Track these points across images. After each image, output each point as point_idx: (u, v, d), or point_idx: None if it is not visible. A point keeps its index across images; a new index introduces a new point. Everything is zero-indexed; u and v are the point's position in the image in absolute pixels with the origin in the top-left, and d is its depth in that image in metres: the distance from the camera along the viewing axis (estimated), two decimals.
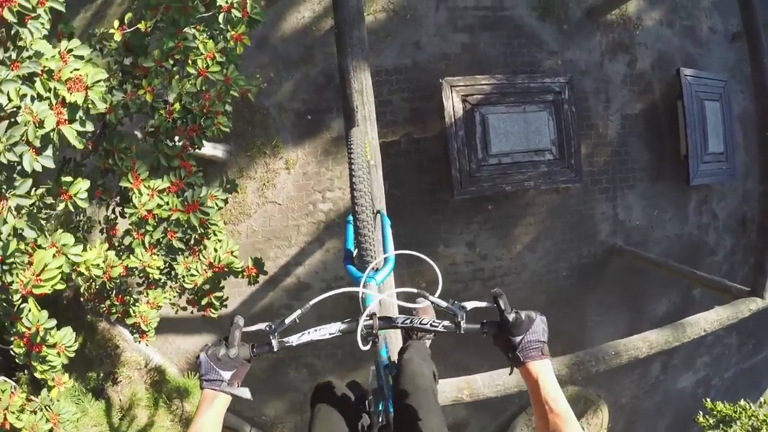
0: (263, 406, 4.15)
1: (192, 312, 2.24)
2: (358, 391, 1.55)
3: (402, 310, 1.34)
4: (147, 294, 2.13)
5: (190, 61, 2.09)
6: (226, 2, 2.00)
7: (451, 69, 4.01)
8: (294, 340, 0.98)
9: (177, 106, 2.09)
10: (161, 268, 1.98)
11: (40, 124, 1.38)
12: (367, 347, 0.96)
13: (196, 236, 2.05)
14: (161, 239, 1.93)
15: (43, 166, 1.41)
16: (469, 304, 0.95)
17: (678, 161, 4.55)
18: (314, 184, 3.97)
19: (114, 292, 2.12)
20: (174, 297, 2.28)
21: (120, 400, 3.75)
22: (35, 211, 1.66)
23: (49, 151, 1.42)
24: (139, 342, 2.17)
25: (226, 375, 0.93)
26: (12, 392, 1.66)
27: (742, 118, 5.02)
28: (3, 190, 1.40)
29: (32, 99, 1.39)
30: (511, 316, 0.91)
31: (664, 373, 5.11)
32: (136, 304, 2.14)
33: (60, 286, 1.59)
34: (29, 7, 1.34)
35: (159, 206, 1.89)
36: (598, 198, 4.35)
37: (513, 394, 2.46)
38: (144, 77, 2.03)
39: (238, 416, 4.08)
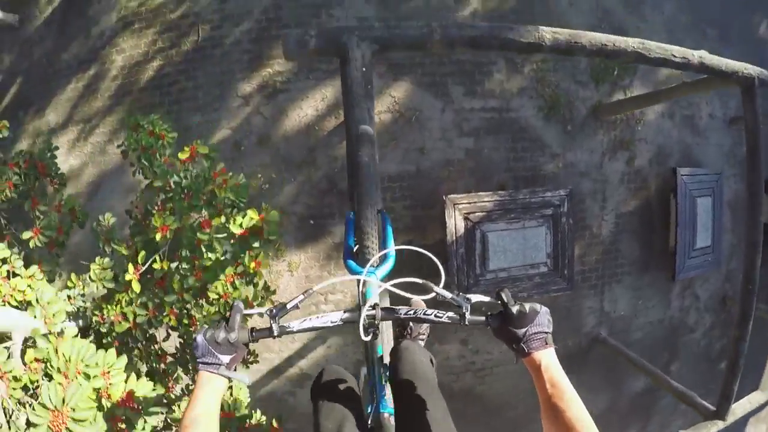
0: None
1: None
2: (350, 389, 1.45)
3: (395, 302, 1.28)
4: None
5: (210, 287, 2.17)
6: (241, 227, 2.06)
7: (453, 175, 4.06)
8: (295, 325, 0.98)
9: (200, 317, 2.20)
10: None
11: None
12: (368, 338, 0.95)
13: None
14: None
15: None
16: (474, 297, 0.95)
17: (666, 252, 4.73)
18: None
19: None
20: None
21: None
22: None
23: None
24: None
25: (225, 359, 0.90)
26: None
27: (732, 202, 5.17)
28: None
29: None
30: (515, 309, 0.91)
31: None
32: None
33: None
34: None
35: None
36: (586, 294, 4.56)
37: None
38: (164, 294, 2.12)
39: None
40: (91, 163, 4.02)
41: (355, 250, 1.33)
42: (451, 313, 0.95)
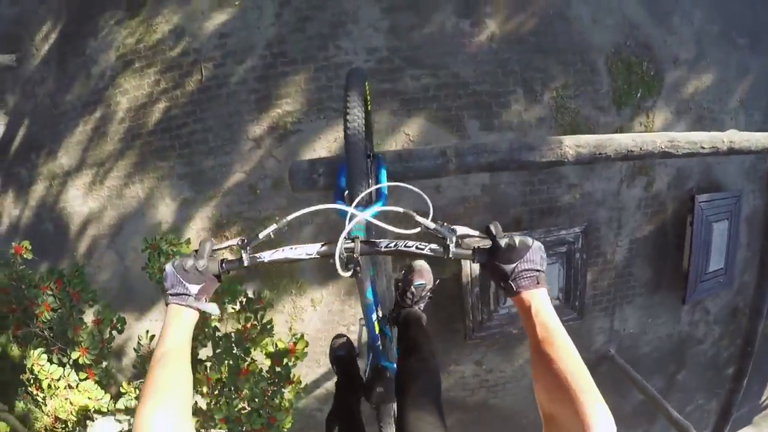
0: None
1: None
2: (347, 351, 1.61)
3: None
4: None
5: None
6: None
7: (469, 212, 4.04)
8: (266, 256, 0.94)
9: None
10: None
11: None
12: (348, 274, 0.89)
13: None
14: None
15: None
16: (460, 228, 0.90)
17: (678, 272, 4.76)
18: (339, 319, 4.23)
19: None
20: None
21: None
22: None
23: None
24: None
25: (194, 289, 0.88)
26: None
27: (750, 217, 5.10)
28: None
29: None
30: (503, 242, 0.84)
31: None
32: None
33: None
34: None
35: None
36: (597, 316, 4.65)
37: None
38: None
39: None
40: (109, 206, 4.05)
41: (345, 194, 1.29)
42: (434, 245, 0.89)
